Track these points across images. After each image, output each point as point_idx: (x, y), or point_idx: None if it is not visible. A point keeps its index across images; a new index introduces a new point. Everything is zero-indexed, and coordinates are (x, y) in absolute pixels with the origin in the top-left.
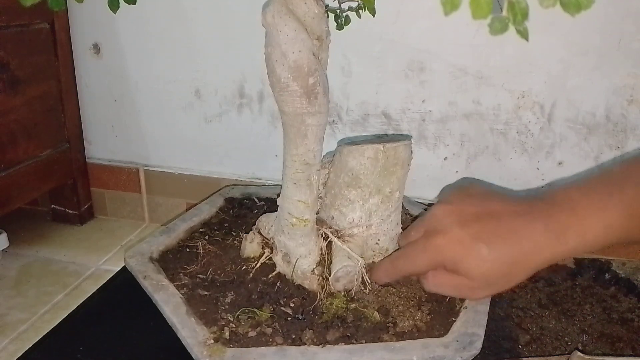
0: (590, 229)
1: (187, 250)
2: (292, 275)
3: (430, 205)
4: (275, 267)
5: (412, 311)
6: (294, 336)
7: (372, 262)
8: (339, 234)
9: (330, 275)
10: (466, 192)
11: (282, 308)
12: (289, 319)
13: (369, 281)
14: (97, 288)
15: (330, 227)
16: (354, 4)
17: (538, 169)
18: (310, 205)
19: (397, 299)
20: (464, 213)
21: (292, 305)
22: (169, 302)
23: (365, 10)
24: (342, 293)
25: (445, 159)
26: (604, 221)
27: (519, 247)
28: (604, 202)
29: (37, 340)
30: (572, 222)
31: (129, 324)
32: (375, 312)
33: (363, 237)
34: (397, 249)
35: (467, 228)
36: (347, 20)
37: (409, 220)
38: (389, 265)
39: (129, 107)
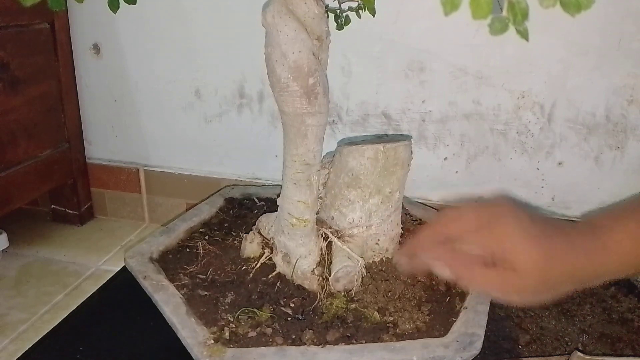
0: (627, 250)
1: (187, 250)
2: (292, 276)
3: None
4: (275, 268)
5: (412, 311)
6: (294, 336)
7: (372, 262)
8: (339, 234)
9: (330, 276)
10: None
11: (282, 308)
12: (289, 319)
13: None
14: (97, 288)
15: (330, 228)
16: (354, 4)
17: (538, 169)
18: (310, 206)
19: (397, 299)
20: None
21: (292, 305)
22: (169, 302)
23: (365, 10)
24: (342, 293)
25: (445, 159)
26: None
27: (568, 259)
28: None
29: (37, 340)
30: (610, 244)
31: (129, 324)
32: (375, 312)
33: (363, 237)
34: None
35: (528, 231)
36: (347, 20)
37: (409, 220)
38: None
39: (129, 107)
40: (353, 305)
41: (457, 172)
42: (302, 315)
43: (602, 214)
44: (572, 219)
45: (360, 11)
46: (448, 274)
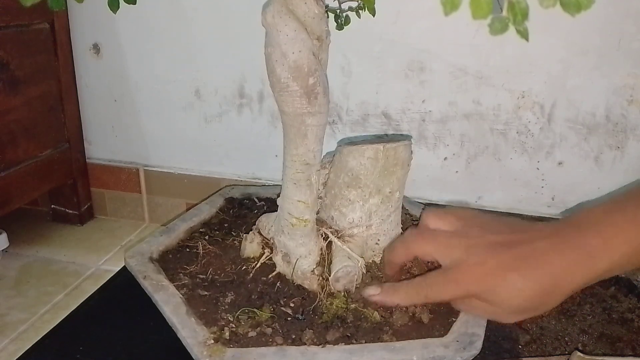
0: (616, 249)
1: (187, 250)
2: (292, 276)
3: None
4: (275, 267)
5: (412, 311)
6: (294, 336)
7: (372, 261)
8: (339, 234)
9: (330, 276)
10: (474, 221)
11: (282, 308)
12: (289, 319)
13: (377, 301)
14: (97, 288)
15: (330, 227)
16: (354, 4)
17: (538, 169)
18: (310, 206)
19: None
20: (490, 242)
21: (292, 305)
22: (169, 302)
23: (365, 10)
24: (342, 293)
25: (445, 159)
26: (630, 241)
27: (550, 273)
28: (628, 221)
29: (37, 340)
30: (598, 243)
31: (129, 324)
32: (375, 312)
33: (363, 237)
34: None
35: (497, 257)
36: (347, 20)
37: (409, 220)
38: (413, 291)
39: (129, 107)
40: (353, 305)
41: (457, 172)
42: (302, 315)
43: (594, 206)
44: None
45: (360, 11)
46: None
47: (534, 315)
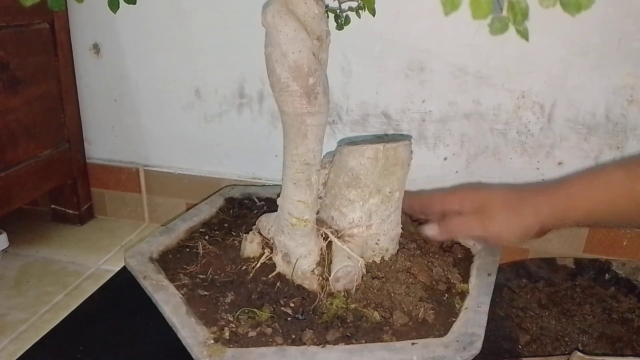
0: (579, 203)
1: (187, 250)
2: (292, 276)
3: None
4: (275, 267)
5: (412, 311)
6: (294, 336)
7: (372, 261)
8: (339, 234)
9: (330, 275)
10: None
11: (282, 308)
12: (289, 319)
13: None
14: (97, 288)
15: (330, 227)
16: (354, 4)
17: (538, 169)
18: (310, 205)
19: (397, 298)
20: (502, 196)
21: (292, 305)
22: (169, 302)
23: (365, 10)
24: (342, 293)
25: (445, 159)
26: (589, 200)
27: (540, 199)
28: (590, 187)
29: (37, 340)
30: (564, 195)
31: (129, 324)
32: (375, 312)
33: (363, 237)
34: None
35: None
36: (347, 20)
37: (408, 220)
38: (449, 229)
39: (129, 107)
40: (353, 305)
41: (457, 172)
42: (302, 315)
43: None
44: None
45: (360, 11)
46: (436, 231)
47: (513, 238)
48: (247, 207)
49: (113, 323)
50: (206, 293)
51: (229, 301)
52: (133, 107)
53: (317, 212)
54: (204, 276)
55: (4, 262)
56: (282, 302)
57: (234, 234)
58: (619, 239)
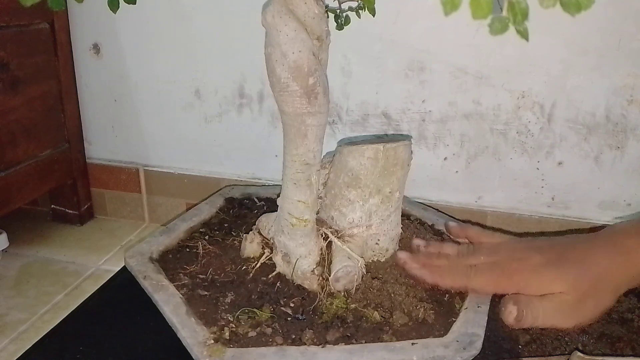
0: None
1: (187, 250)
2: (292, 276)
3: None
4: (275, 267)
5: (412, 311)
6: (294, 336)
7: (372, 262)
8: (339, 234)
9: (330, 276)
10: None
11: (282, 308)
12: (289, 319)
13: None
14: (97, 288)
15: (330, 227)
16: (354, 4)
17: (538, 169)
18: (310, 206)
19: (397, 298)
20: (534, 245)
21: (292, 305)
22: (169, 302)
23: (365, 10)
24: (342, 293)
25: (445, 159)
26: None
27: (590, 266)
28: None
29: (37, 340)
30: (633, 243)
31: (129, 324)
32: (375, 312)
33: (363, 237)
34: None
35: (542, 255)
36: (347, 20)
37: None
38: (459, 277)
39: (129, 107)
40: (353, 305)
41: (457, 172)
42: (302, 315)
43: (614, 224)
44: (572, 218)
45: (360, 11)
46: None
47: (586, 316)
48: (247, 207)
49: (113, 323)
50: (206, 293)
51: (229, 301)
52: (133, 107)
53: (317, 212)
54: (204, 276)
55: (4, 262)
56: (282, 302)
57: (234, 234)
58: None
